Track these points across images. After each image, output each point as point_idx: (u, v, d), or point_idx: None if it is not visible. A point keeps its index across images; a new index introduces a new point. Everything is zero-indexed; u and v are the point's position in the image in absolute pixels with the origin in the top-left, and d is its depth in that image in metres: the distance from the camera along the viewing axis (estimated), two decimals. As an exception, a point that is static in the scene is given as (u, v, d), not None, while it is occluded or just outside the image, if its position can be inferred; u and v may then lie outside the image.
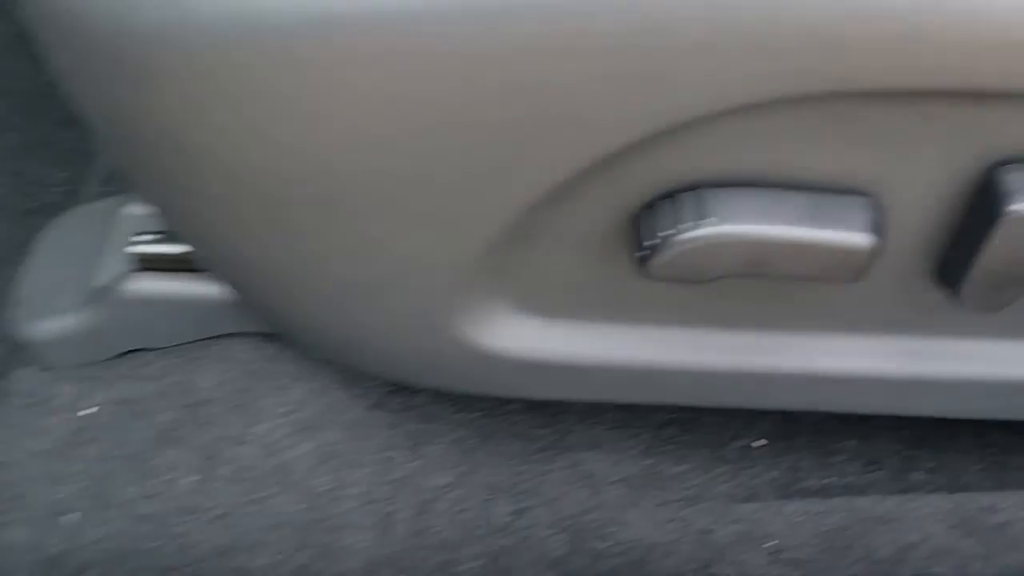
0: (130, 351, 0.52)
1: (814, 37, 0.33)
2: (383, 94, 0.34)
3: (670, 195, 0.38)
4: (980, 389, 0.45)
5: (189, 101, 0.36)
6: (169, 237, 0.50)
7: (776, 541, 0.49)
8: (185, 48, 0.34)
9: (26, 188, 0.64)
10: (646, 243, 0.38)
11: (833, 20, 0.32)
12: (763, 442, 0.55)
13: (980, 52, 0.33)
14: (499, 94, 0.34)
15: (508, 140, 0.35)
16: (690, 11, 0.32)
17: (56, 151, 0.67)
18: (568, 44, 0.32)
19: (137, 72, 0.36)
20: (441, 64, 0.33)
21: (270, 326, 0.51)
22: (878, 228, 0.38)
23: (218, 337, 0.52)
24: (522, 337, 0.43)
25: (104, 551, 0.47)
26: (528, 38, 0.32)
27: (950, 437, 0.55)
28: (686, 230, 0.37)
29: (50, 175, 0.67)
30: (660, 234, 0.37)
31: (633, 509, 0.51)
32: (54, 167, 0.66)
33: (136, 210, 0.53)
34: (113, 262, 0.51)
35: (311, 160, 0.37)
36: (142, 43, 0.34)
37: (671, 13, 0.32)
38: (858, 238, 0.37)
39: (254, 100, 0.35)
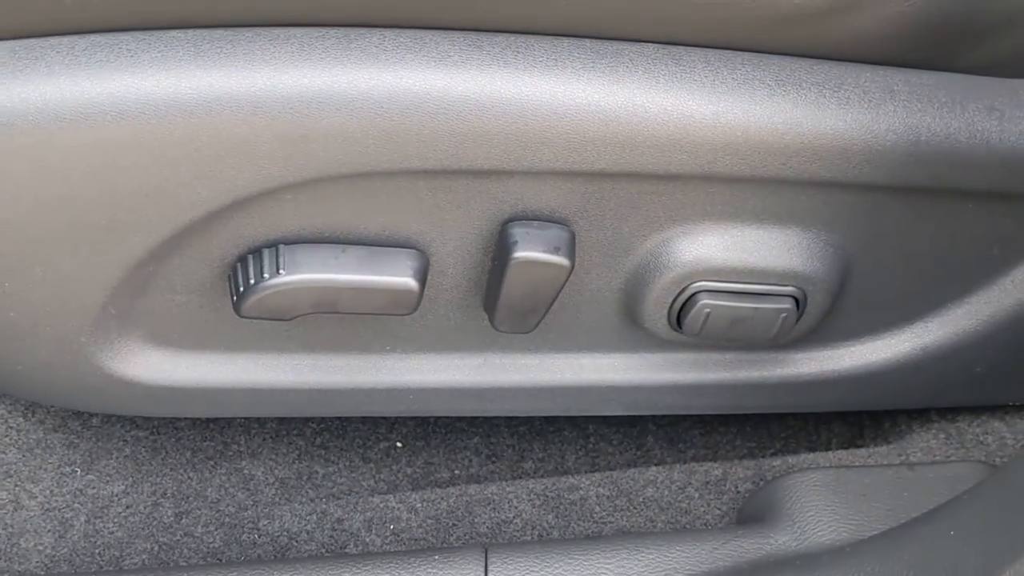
0: None
1: (341, 133, 0.43)
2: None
3: (257, 250, 0.48)
4: (535, 393, 0.56)
5: None
6: None
7: (397, 524, 0.60)
8: None
9: None
10: (240, 289, 0.48)
11: (361, 117, 0.43)
12: (399, 445, 0.66)
13: (487, 141, 0.44)
14: (92, 179, 0.43)
15: (105, 214, 0.44)
16: (235, 114, 0.42)
17: None
18: (138, 141, 0.42)
19: None
20: (44, 158, 0.42)
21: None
22: (422, 274, 0.49)
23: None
24: (153, 366, 0.53)
25: None
26: (108, 136, 0.42)
27: (556, 431, 0.67)
28: (266, 279, 0.47)
29: None
30: (247, 282, 0.47)
31: (284, 505, 0.61)
32: None
33: None
34: None
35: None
36: None
37: (218, 116, 0.42)
38: (406, 281, 0.48)
39: None
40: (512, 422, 0.66)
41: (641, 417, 0.65)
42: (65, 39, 0.43)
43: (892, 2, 0.44)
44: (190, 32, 0.43)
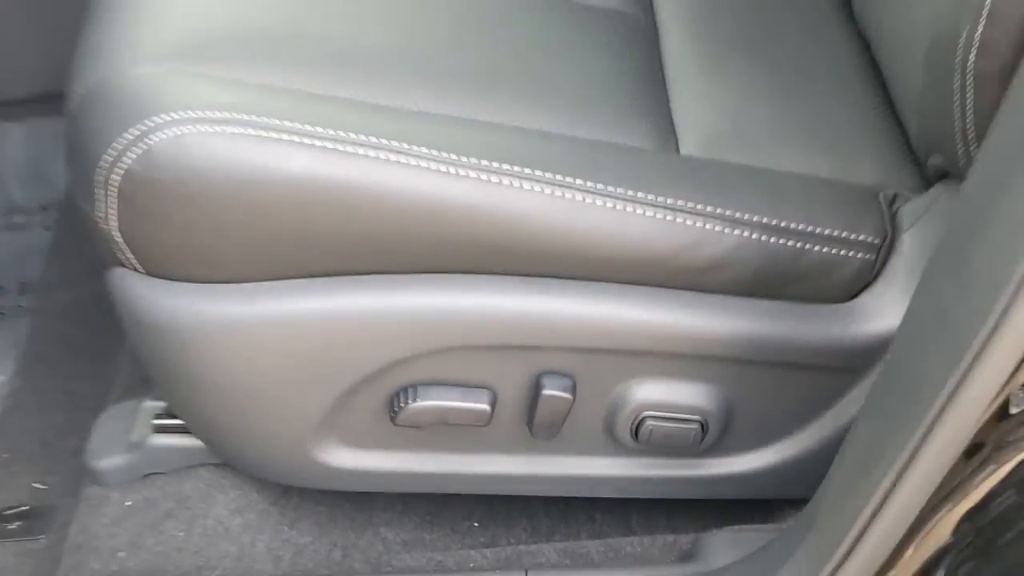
0: (148, 474, 1.00)
1: (453, 329, 0.84)
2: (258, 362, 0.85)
3: (403, 388, 0.89)
4: (555, 479, 0.96)
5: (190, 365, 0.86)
6: (169, 415, 0.99)
7: (476, 563, 0.99)
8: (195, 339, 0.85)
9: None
10: (395, 410, 0.89)
11: (466, 324, 0.84)
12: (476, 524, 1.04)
13: (533, 333, 0.86)
14: (313, 353, 0.85)
15: (321, 370, 0.86)
16: (393, 320, 0.84)
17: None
18: (342, 333, 0.84)
19: (161, 349, 0.86)
20: (284, 344, 0.84)
21: (221, 459, 1.00)
22: (492, 403, 0.89)
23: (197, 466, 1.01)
24: (343, 457, 0.93)
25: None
26: (325, 331, 0.84)
27: (571, 510, 1.05)
28: (408, 405, 0.88)
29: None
30: (399, 406, 0.88)
31: (407, 555, 1.00)
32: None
33: (150, 403, 1.02)
34: (140, 429, 1.00)
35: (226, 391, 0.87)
36: (161, 332, 0.85)
37: (382, 321, 0.84)
38: (484, 407, 0.89)
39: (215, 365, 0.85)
40: (547, 501, 1.04)
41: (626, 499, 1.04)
42: (284, 282, 0.85)
43: (747, 264, 0.85)
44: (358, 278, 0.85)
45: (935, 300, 0.68)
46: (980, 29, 0.74)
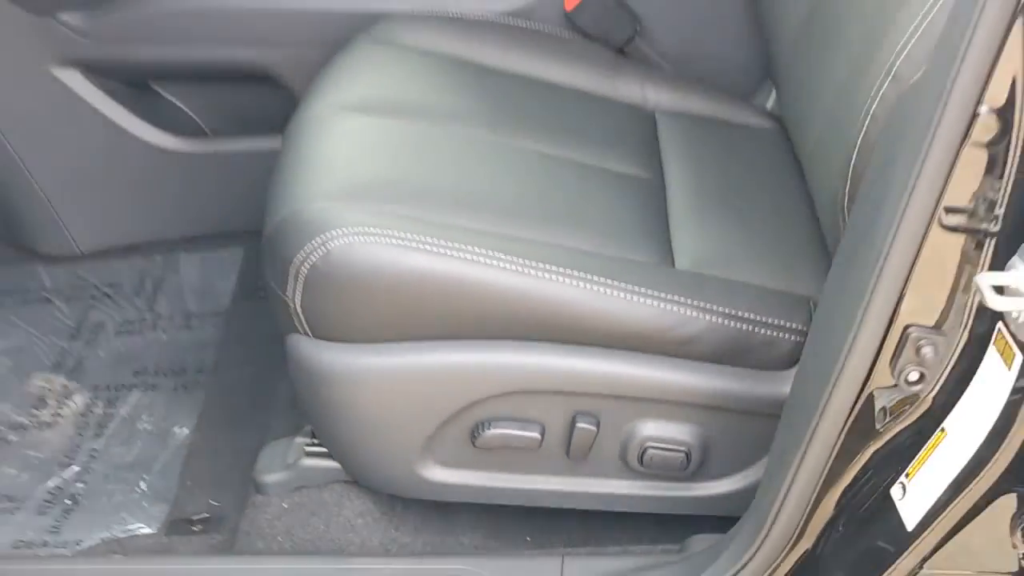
0: (299, 487, 1.41)
1: (518, 377, 1.26)
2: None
3: (481, 421, 1.29)
4: (590, 496, 1.34)
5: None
6: (316, 443, 1.41)
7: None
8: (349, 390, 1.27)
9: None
10: (474, 437, 1.29)
11: (528, 374, 1.26)
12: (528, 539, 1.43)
13: (576, 387, 1.27)
14: (419, 396, 1.26)
15: (424, 406, 1.27)
16: (477, 371, 1.25)
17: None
18: (440, 380, 1.26)
19: (318, 391, 1.29)
20: (397, 386, 1.26)
21: (351, 476, 1.41)
22: (542, 433, 1.29)
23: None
24: (439, 473, 1.33)
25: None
26: (428, 387, 1.26)
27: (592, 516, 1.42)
28: (483, 434, 1.28)
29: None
30: (477, 434, 1.29)
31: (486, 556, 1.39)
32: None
33: (300, 438, 1.44)
34: (294, 454, 1.42)
35: (359, 423, 1.29)
36: (320, 377, 1.28)
37: (469, 373, 1.26)
38: (535, 435, 1.29)
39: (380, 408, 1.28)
40: (585, 514, 1.42)
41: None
42: (405, 343, 1.27)
43: (715, 340, 1.25)
44: (454, 342, 1.28)
45: (811, 348, 1.09)
46: (847, 190, 1.17)
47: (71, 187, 1.88)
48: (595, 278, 1.24)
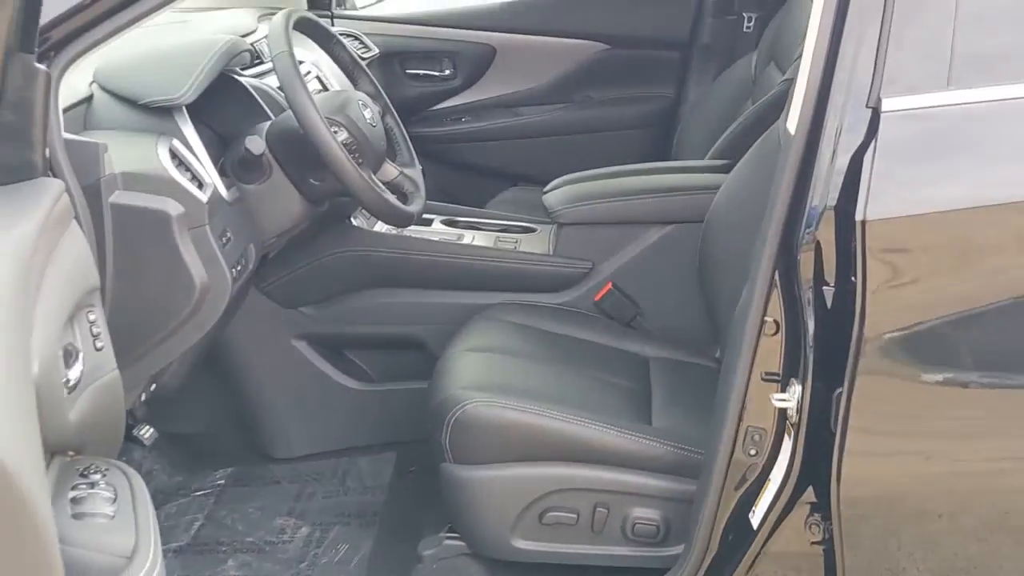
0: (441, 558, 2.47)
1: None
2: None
3: (546, 510, 2.36)
4: (608, 556, 2.38)
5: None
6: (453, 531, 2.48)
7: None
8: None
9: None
10: (542, 517, 2.36)
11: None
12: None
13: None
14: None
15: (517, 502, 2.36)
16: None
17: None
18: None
19: (458, 496, 2.39)
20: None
21: (474, 550, 2.47)
22: (578, 515, 2.35)
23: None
24: (526, 544, 2.39)
25: None
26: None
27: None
28: (547, 514, 2.36)
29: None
30: (546, 515, 2.36)
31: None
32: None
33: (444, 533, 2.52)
34: (432, 543, 2.49)
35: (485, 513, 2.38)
36: (459, 485, 2.37)
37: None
38: (573, 516, 2.35)
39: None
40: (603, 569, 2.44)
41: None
42: (506, 463, 2.37)
43: (675, 462, 2.33)
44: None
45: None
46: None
47: (295, 414, 3.05)
48: (611, 427, 2.35)
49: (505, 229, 3.10)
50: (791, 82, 2.27)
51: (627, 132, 3.80)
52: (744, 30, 3.61)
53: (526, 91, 3.84)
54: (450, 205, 3.19)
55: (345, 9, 3.79)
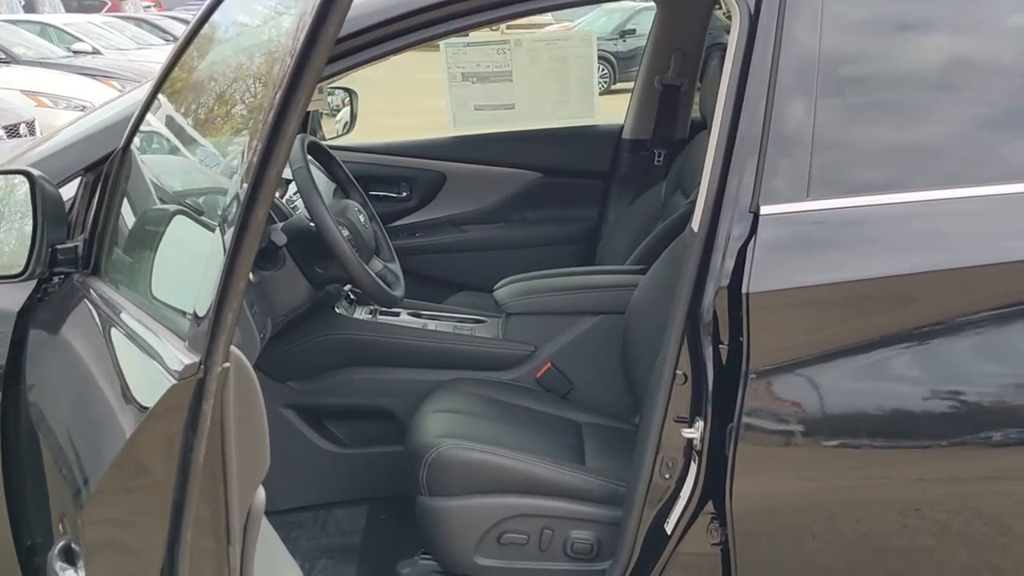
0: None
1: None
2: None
3: (502, 533, 2.94)
4: (553, 573, 2.96)
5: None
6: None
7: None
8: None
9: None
10: (500, 538, 2.94)
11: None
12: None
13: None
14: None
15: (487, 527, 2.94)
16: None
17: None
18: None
19: (442, 528, 2.96)
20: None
21: (444, 569, 3.02)
22: (527, 537, 2.93)
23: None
24: (487, 562, 2.96)
25: None
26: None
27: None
28: (505, 535, 2.94)
29: None
30: (502, 537, 2.93)
31: None
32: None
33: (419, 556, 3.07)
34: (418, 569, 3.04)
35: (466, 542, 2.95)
36: (441, 515, 2.95)
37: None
38: (524, 537, 2.93)
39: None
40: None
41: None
42: (472, 495, 2.96)
43: (605, 497, 2.94)
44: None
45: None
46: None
47: (279, 473, 3.59)
48: (554, 465, 2.96)
49: (461, 320, 3.74)
50: (694, 203, 2.97)
51: (557, 247, 4.47)
52: (655, 164, 4.35)
53: (471, 211, 4.35)
54: (415, 300, 3.83)
55: (321, 140, 4.46)
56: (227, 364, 1.53)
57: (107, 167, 2.39)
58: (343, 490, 3.59)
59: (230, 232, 1.55)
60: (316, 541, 3.38)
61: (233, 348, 1.57)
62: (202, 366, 1.51)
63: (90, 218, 2.40)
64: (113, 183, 2.36)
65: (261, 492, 1.64)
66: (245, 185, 1.56)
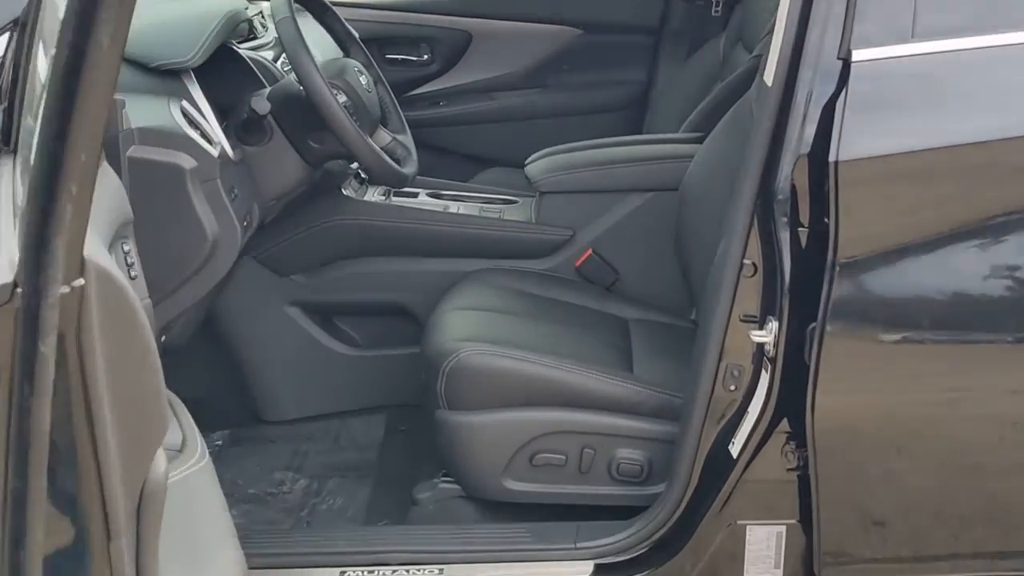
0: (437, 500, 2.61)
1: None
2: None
3: (536, 453, 2.50)
4: (598, 495, 2.53)
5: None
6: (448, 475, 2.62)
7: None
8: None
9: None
10: (532, 459, 2.50)
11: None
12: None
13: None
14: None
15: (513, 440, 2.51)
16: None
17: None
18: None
19: (454, 439, 2.53)
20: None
21: (468, 493, 2.60)
22: (566, 457, 2.50)
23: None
24: (517, 485, 2.53)
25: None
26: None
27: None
28: (539, 455, 2.50)
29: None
30: (535, 457, 2.50)
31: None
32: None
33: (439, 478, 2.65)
34: (429, 487, 2.62)
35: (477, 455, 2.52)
36: (455, 429, 2.51)
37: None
38: (561, 458, 2.50)
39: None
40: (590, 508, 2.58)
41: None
42: (497, 409, 2.52)
43: (657, 405, 2.48)
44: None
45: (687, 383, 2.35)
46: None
47: (288, 379, 3.17)
48: (597, 373, 2.50)
49: (488, 201, 3.24)
50: (759, 58, 2.44)
51: (600, 116, 3.94)
52: (713, 13, 3.77)
53: (502, 75, 3.96)
54: (435, 179, 3.33)
55: (327, -5, 3.93)
56: (80, 282, 1.04)
57: (23, 13, 1.88)
58: (358, 397, 3.18)
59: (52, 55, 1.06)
60: (327, 456, 2.99)
61: (96, 257, 1.08)
62: (18, 289, 1.02)
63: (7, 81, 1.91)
64: (30, 34, 1.86)
65: (161, 459, 1.17)
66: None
